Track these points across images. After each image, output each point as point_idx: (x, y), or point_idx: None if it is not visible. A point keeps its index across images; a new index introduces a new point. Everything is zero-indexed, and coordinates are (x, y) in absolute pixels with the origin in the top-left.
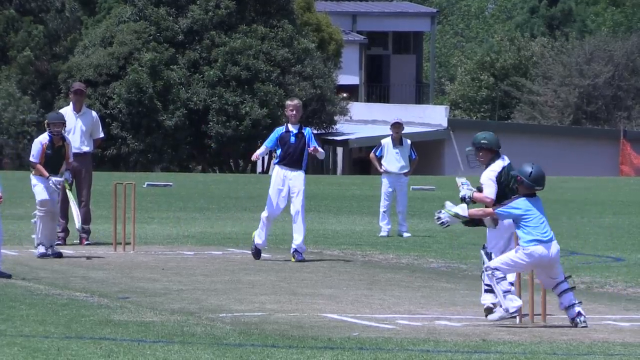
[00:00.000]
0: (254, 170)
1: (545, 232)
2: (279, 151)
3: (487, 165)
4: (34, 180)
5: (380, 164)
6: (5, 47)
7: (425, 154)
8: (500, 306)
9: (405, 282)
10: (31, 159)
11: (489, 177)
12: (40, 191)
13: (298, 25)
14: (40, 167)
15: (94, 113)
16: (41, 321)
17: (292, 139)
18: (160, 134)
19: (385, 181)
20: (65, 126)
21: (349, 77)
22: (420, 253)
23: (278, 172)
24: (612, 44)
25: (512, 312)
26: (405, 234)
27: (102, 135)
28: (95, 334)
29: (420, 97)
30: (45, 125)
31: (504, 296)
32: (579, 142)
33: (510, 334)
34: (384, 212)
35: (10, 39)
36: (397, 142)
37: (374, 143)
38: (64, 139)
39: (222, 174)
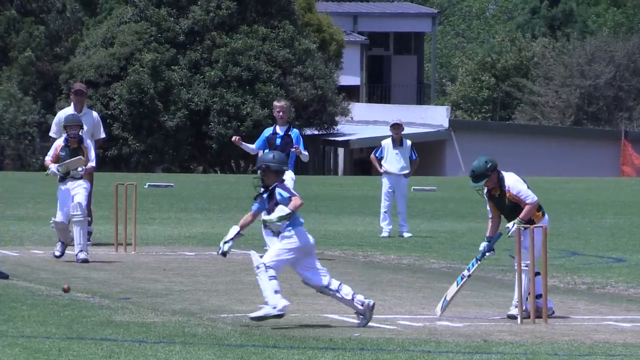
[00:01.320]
0: (254, 171)
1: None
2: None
3: (500, 184)
4: (58, 191)
5: (381, 165)
6: (7, 47)
7: (427, 154)
8: (267, 304)
9: (406, 282)
10: (46, 158)
11: (522, 185)
12: (59, 209)
13: (299, 26)
14: (47, 162)
15: (95, 113)
16: (42, 322)
17: (279, 141)
18: (162, 134)
19: (385, 181)
20: (82, 128)
21: (350, 77)
22: (422, 254)
23: None
24: (613, 45)
25: (279, 310)
26: (406, 234)
27: (103, 135)
28: (96, 335)
29: (421, 97)
30: (62, 127)
31: (274, 294)
32: (580, 143)
33: (512, 335)
34: (384, 212)
35: (11, 39)
36: (397, 143)
37: (375, 144)
38: (81, 141)
39: (223, 174)
